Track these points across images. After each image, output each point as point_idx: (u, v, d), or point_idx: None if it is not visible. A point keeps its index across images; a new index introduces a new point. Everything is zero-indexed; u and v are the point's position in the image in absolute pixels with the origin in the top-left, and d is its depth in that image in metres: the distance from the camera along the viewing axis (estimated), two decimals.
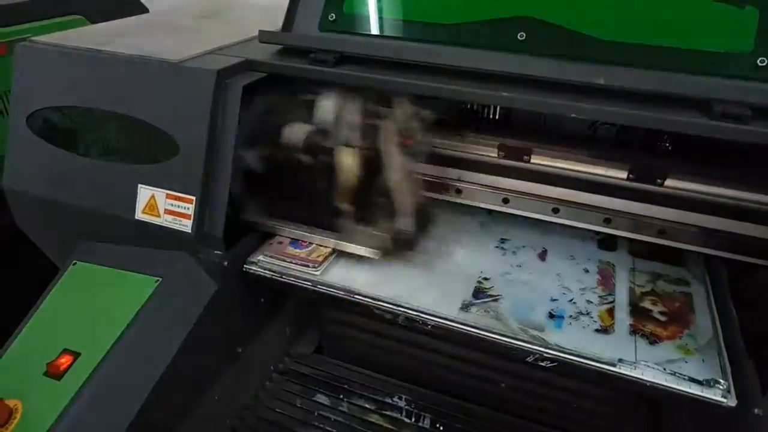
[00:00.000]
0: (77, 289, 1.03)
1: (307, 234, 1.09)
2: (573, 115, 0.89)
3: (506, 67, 0.94)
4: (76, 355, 0.92)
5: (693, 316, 0.96)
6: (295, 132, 1.01)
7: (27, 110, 1.06)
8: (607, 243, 1.14)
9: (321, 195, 1.03)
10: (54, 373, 0.90)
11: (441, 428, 1.06)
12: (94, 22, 1.44)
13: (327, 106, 1.01)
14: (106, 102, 1.02)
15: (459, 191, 1.16)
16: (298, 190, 1.07)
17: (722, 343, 0.90)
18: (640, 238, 1.05)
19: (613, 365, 0.85)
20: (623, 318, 0.95)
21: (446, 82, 0.95)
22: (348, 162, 0.99)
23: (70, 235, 1.09)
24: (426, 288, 1.01)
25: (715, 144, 0.84)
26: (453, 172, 1.15)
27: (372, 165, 1.00)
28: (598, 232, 1.13)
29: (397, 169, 0.98)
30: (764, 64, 0.86)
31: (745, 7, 0.88)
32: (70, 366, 0.91)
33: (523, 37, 0.98)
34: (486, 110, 1.21)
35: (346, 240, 1.05)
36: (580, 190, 1.07)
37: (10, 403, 0.87)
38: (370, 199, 1.03)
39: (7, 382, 0.90)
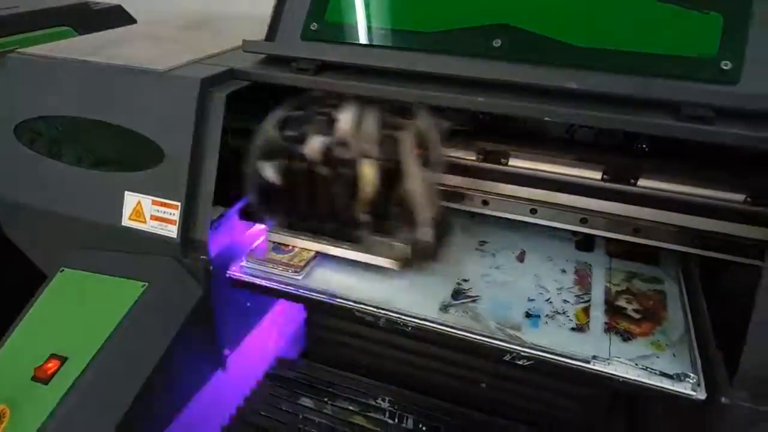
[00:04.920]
0: (65, 295, 1.05)
1: (326, 246, 1.07)
2: (546, 118, 0.93)
3: (482, 73, 0.97)
4: (63, 359, 0.94)
5: (666, 313, 0.98)
6: (315, 144, 1.01)
7: (14, 120, 1.08)
8: (585, 244, 1.16)
9: (339, 206, 1.04)
10: (41, 378, 0.92)
11: (423, 428, 1.08)
12: (82, 33, 1.47)
13: (345, 118, 1.01)
14: (93, 111, 1.04)
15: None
16: (316, 202, 1.06)
17: (693, 338, 0.92)
18: (614, 237, 1.08)
19: (587, 362, 0.87)
20: (598, 316, 0.97)
21: (424, 88, 0.98)
22: (368, 173, 0.99)
23: (58, 242, 1.11)
24: (407, 290, 1.03)
25: (687, 145, 0.87)
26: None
27: (389, 176, 1.00)
28: (575, 233, 1.16)
29: (415, 179, 0.98)
30: (728, 67, 0.89)
31: (710, 13, 0.91)
32: (57, 370, 0.92)
33: (499, 44, 1.01)
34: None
35: (365, 251, 1.05)
36: (556, 191, 1.09)
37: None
38: (387, 209, 1.03)
39: None
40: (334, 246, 1.06)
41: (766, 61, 0.87)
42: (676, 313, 0.98)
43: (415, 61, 1.02)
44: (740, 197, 0.97)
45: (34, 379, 0.92)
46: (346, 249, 1.06)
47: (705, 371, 0.86)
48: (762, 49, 0.87)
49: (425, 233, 1.00)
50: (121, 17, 1.67)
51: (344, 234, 1.06)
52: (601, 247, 1.16)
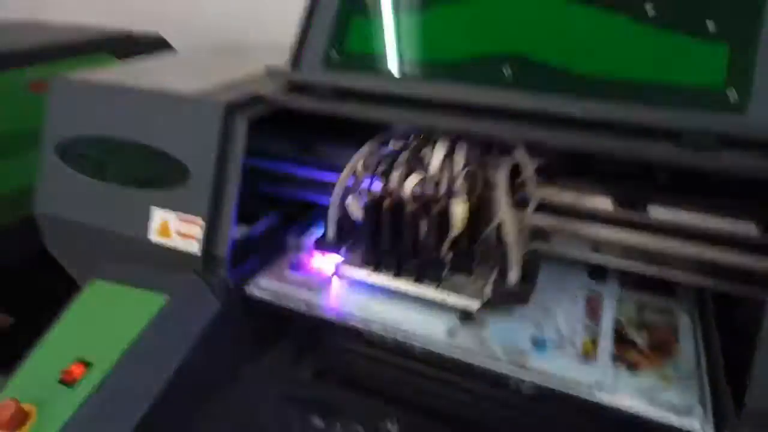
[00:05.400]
0: (93, 304, 1.12)
1: (406, 285, 1.04)
2: (552, 145, 0.95)
3: (489, 100, 1.00)
4: (88, 364, 1.00)
5: (677, 345, 0.97)
6: (408, 182, 1.01)
7: (56, 140, 1.17)
8: (598, 273, 1.16)
9: (424, 244, 1.02)
10: (67, 381, 0.97)
11: None
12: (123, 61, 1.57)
13: (437, 156, 1.03)
14: (126, 131, 1.12)
15: None
16: (401, 240, 1.04)
17: (704, 372, 0.91)
18: (626, 266, 1.07)
19: (591, 391, 0.87)
20: (606, 346, 0.97)
21: (435, 114, 1.02)
22: (459, 212, 0.98)
23: (92, 255, 1.18)
24: (418, 314, 1.04)
25: (703, 176, 0.87)
26: None
27: (478, 215, 1.02)
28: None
29: (509, 220, 0.97)
30: (734, 96, 0.89)
31: (717, 43, 0.92)
32: (82, 374, 0.98)
33: (509, 73, 1.04)
34: None
35: (446, 290, 1.02)
36: (568, 218, 1.10)
37: (26, 407, 0.94)
38: (472, 249, 1.04)
39: (25, 389, 0.98)
40: (414, 286, 1.03)
41: None
42: (687, 347, 0.97)
43: (428, 89, 1.06)
44: (753, 228, 0.96)
45: (61, 381, 0.98)
46: (425, 289, 1.03)
47: (714, 406, 0.84)
48: None
49: (512, 275, 0.98)
50: (160, 46, 1.78)
51: (426, 273, 1.03)
52: (615, 277, 1.15)
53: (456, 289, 1.02)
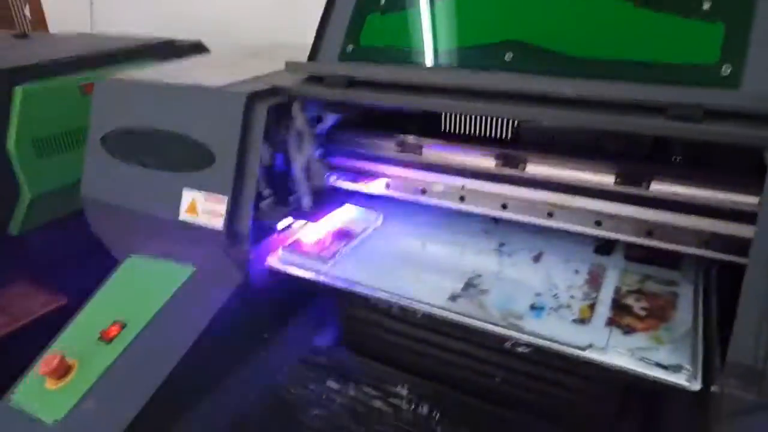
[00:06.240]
0: (130, 275, 1.24)
1: None
2: (544, 122, 1.00)
3: (493, 84, 1.06)
4: (123, 325, 1.11)
5: (674, 312, 0.99)
6: None
7: (100, 132, 1.31)
8: (604, 248, 1.18)
9: None
10: (105, 339, 1.10)
11: (436, 416, 1.13)
12: None
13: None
14: (159, 122, 1.24)
15: (462, 198, 1.26)
16: None
17: (699, 336, 0.92)
18: (627, 239, 1.10)
19: (583, 350, 0.90)
20: (603, 312, 1.00)
21: (438, 98, 1.08)
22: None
23: (129, 232, 1.31)
24: (422, 283, 1.11)
25: (704, 149, 0.89)
26: (457, 181, 1.26)
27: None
28: (597, 238, 1.18)
29: (296, 160, 1.29)
30: (727, 72, 0.92)
31: (714, 21, 0.95)
32: (118, 333, 1.10)
33: (510, 58, 1.10)
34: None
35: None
36: (571, 194, 1.14)
37: (70, 360, 1.06)
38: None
39: (70, 345, 1.11)
40: None
41: (765, 67, 0.89)
42: (685, 313, 0.98)
43: (433, 75, 1.13)
44: (754, 200, 0.97)
45: (100, 339, 1.10)
46: None
47: (704, 364, 0.86)
48: (762, 55, 0.90)
49: (305, 201, 1.31)
50: (200, 51, 1.93)
51: None
52: (620, 252, 1.17)
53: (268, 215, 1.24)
